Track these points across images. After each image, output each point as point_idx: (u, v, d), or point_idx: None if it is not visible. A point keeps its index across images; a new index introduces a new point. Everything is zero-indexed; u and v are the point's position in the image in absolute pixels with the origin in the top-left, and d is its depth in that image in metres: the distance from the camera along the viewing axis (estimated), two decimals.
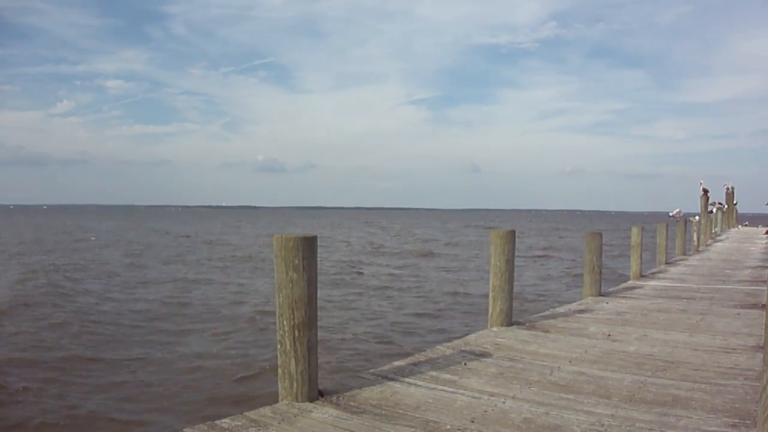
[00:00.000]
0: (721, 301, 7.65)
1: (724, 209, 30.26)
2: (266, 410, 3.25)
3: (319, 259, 3.54)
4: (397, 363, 4.33)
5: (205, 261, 24.83)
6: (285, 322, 3.39)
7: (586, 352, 4.75)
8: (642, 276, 10.49)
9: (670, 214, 18.09)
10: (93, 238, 39.60)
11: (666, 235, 13.22)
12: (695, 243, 17.86)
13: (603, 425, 3.08)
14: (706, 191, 22.75)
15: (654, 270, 11.82)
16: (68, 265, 21.61)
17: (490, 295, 5.81)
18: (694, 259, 14.45)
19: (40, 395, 7.09)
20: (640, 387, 3.77)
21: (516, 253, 5.95)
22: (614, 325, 5.92)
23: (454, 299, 14.80)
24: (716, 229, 26.32)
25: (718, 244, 20.90)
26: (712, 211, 24.23)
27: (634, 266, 10.53)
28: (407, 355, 4.88)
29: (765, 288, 8.86)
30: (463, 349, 4.75)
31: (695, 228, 18.25)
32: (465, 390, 3.67)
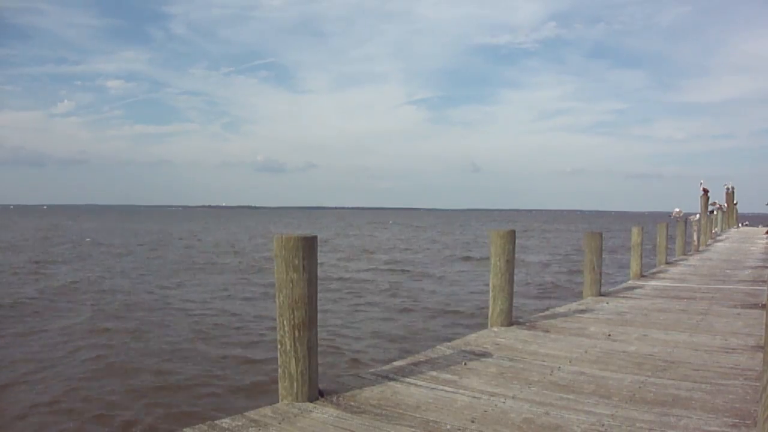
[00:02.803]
0: (721, 301, 7.65)
1: (724, 209, 30.24)
2: (266, 410, 3.25)
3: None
4: (397, 363, 4.33)
5: None
6: (285, 322, 3.39)
7: (586, 352, 4.75)
8: (642, 276, 10.49)
9: (671, 214, 18.09)
10: None
11: (666, 235, 13.22)
12: (695, 243, 17.86)
13: (603, 425, 3.08)
14: (706, 191, 22.75)
15: (654, 270, 11.82)
16: None
17: (490, 294, 5.81)
18: (694, 259, 14.45)
19: None
20: (640, 387, 3.76)
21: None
22: (614, 325, 5.92)
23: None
24: (716, 229, 26.31)
25: (718, 244, 20.91)
26: (712, 212, 24.23)
27: (634, 266, 10.53)
28: (407, 355, 4.88)
29: (765, 288, 8.87)
30: (463, 349, 4.75)
31: (695, 228, 18.26)
32: (465, 390, 3.67)
